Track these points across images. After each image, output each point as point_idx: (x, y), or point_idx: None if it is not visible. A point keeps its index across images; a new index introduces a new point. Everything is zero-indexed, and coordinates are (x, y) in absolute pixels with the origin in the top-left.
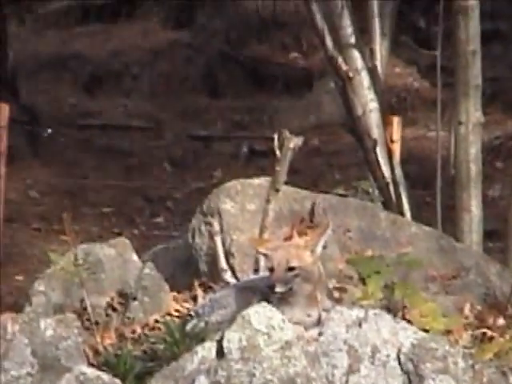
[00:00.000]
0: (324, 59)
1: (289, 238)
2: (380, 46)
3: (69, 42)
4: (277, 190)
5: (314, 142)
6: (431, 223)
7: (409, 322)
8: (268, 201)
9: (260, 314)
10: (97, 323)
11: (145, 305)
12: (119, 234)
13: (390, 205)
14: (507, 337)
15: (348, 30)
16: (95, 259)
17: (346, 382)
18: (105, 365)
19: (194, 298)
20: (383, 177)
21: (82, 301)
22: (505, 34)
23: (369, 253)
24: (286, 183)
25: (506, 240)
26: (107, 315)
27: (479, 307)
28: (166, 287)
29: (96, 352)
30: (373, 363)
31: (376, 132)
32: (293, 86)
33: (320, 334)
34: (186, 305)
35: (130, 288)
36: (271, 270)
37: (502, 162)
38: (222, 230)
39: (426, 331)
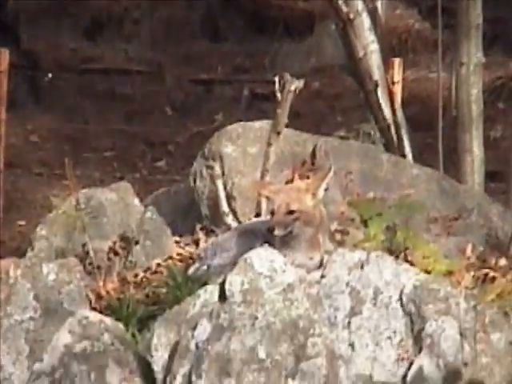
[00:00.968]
0: (325, 1)
1: (290, 181)
2: None
3: None
4: (278, 133)
5: (316, 85)
6: (433, 165)
7: (411, 263)
8: (269, 144)
9: (262, 257)
10: (99, 267)
11: (147, 249)
12: (121, 179)
13: (392, 147)
14: (509, 277)
15: None
16: (97, 204)
17: (349, 323)
18: (107, 309)
19: (196, 242)
20: (385, 119)
21: (84, 245)
22: None
23: (371, 195)
24: (288, 126)
25: (507, 181)
26: (109, 259)
27: (481, 248)
28: (168, 231)
29: (98, 296)
30: (375, 305)
31: (377, 74)
32: (294, 29)
33: (322, 276)
34: (188, 249)
35: (132, 232)
36: (272, 213)
37: (503, 103)
38: (223, 174)
39: (428, 273)
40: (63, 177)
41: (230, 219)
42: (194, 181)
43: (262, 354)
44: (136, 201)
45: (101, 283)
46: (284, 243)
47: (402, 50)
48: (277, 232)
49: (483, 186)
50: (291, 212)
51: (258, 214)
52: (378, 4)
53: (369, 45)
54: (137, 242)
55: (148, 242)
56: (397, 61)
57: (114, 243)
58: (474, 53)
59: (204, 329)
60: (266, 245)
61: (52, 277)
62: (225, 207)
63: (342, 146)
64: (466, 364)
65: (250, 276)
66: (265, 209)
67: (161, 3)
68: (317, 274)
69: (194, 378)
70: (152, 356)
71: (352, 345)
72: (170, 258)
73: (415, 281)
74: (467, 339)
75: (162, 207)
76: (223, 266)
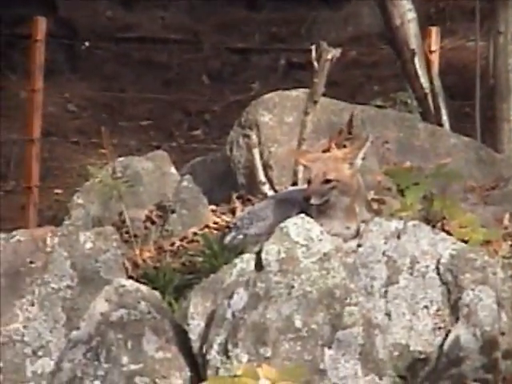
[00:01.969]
0: None
1: (327, 150)
2: None
3: None
4: (315, 102)
5: (353, 54)
6: (470, 134)
7: (448, 233)
8: (306, 113)
9: (298, 226)
10: (135, 236)
11: (183, 218)
12: (157, 148)
13: (429, 116)
14: None
15: None
16: (133, 172)
17: (385, 292)
18: (144, 277)
19: (233, 211)
20: (422, 88)
21: (121, 214)
22: None
23: (407, 164)
24: (324, 95)
25: None
26: (146, 228)
27: None
28: (205, 200)
29: (135, 265)
30: (412, 274)
31: (414, 42)
32: None
33: (359, 245)
34: (225, 217)
35: (169, 201)
36: (309, 181)
37: None
38: (260, 143)
39: (465, 242)
40: (100, 145)
41: (266, 188)
42: (231, 150)
43: (298, 323)
44: (172, 169)
45: (137, 252)
46: (320, 212)
47: (440, 19)
48: (313, 201)
49: None
50: (328, 181)
51: (294, 183)
52: None
53: (406, 13)
54: (173, 211)
55: (184, 211)
56: (434, 29)
57: (151, 212)
58: (510, 21)
59: (240, 298)
60: (303, 214)
61: (89, 245)
62: (261, 176)
63: (379, 115)
64: (503, 333)
65: (287, 245)
66: (301, 178)
67: None
68: (353, 243)
69: (230, 346)
70: (188, 325)
71: (389, 314)
72: (207, 226)
73: (452, 250)
74: (504, 309)
75: (198, 176)
76: (259, 235)
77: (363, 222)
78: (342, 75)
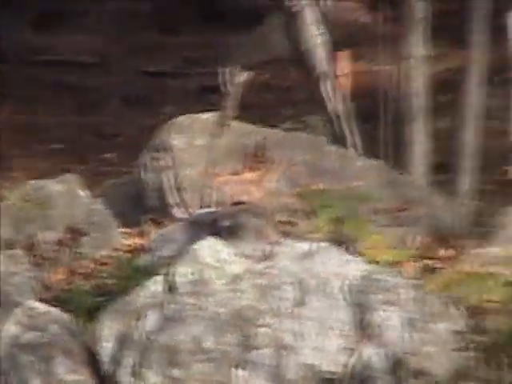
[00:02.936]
0: None
1: (238, 172)
2: None
3: None
4: (225, 125)
5: (265, 77)
6: (379, 157)
7: (358, 254)
8: (217, 135)
9: (210, 247)
10: (47, 259)
11: (95, 240)
12: (69, 170)
13: (340, 139)
14: (456, 268)
15: None
16: (45, 195)
17: (295, 313)
18: (55, 300)
19: (144, 234)
20: (332, 111)
21: (32, 236)
22: None
23: (319, 186)
24: (236, 118)
25: (452, 173)
26: (57, 251)
27: (427, 239)
28: (116, 223)
29: (47, 287)
30: (321, 295)
31: (324, 65)
32: (242, 21)
33: (269, 267)
34: (136, 240)
35: (80, 224)
36: (219, 204)
37: (448, 95)
38: (171, 166)
39: (376, 263)
40: (11, 168)
41: (175, 211)
42: (142, 172)
43: (209, 345)
44: (84, 192)
45: (49, 274)
46: (231, 234)
47: (351, 43)
48: (224, 223)
49: (428, 177)
50: (239, 203)
51: (206, 205)
52: None
53: (314, 37)
54: (85, 234)
55: (96, 234)
56: (345, 53)
57: (62, 234)
58: (418, 45)
59: (152, 320)
60: (214, 236)
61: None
62: (170, 199)
63: (289, 138)
64: (410, 354)
65: (198, 267)
66: (213, 200)
67: None
68: (264, 265)
69: (141, 368)
70: (100, 347)
71: (298, 335)
72: (118, 249)
73: (362, 271)
74: (413, 329)
75: (110, 199)
76: (171, 257)
77: (274, 243)
78: (254, 99)
